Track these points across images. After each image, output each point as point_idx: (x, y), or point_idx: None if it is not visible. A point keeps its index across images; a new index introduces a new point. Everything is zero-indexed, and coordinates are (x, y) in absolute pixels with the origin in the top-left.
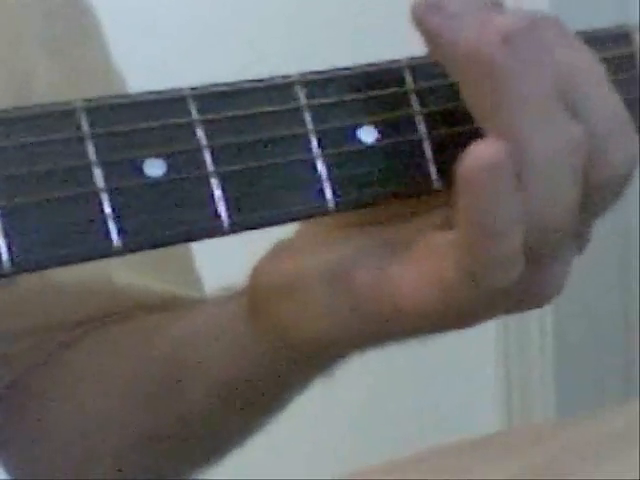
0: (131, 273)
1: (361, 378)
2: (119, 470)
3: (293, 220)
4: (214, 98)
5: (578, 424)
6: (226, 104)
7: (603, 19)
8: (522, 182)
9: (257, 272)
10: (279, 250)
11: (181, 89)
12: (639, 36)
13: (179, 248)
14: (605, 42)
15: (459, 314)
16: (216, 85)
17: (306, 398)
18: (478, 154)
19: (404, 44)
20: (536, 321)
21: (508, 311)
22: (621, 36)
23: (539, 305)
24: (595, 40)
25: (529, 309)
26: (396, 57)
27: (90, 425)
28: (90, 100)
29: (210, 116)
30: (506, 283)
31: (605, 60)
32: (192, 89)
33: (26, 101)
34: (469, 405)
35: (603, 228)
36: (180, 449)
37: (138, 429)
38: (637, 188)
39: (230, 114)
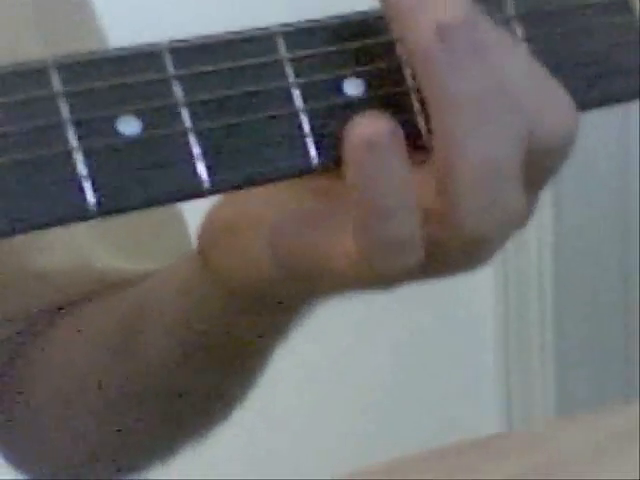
0: (111, 256)
1: (361, 378)
2: (104, 439)
3: (276, 179)
4: (191, 52)
5: (578, 424)
6: (204, 58)
7: None
8: (446, 185)
9: (208, 215)
10: (233, 195)
11: (157, 43)
12: None
13: (171, 224)
14: None
15: (378, 281)
16: (193, 38)
17: (306, 398)
18: (358, 130)
19: None
20: (536, 321)
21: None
22: None
23: (469, 270)
24: None
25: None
26: None
27: (70, 394)
28: (62, 57)
29: (186, 71)
30: (400, 270)
31: (599, 5)
32: (169, 42)
33: None
34: (469, 405)
35: (603, 228)
36: (158, 410)
37: (113, 387)
38: (637, 188)
39: (208, 68)
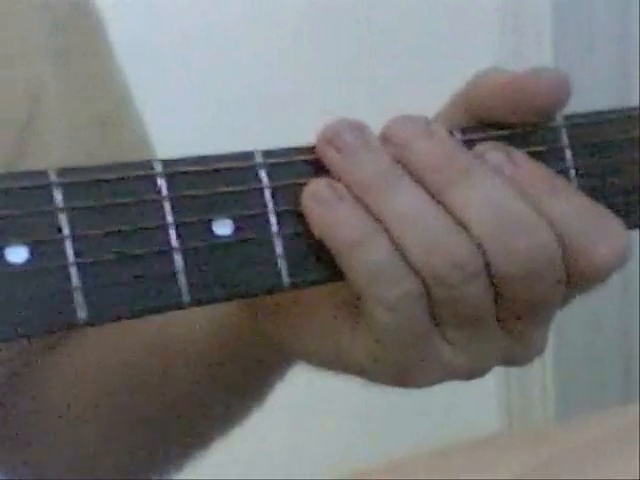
0: None
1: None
2: (109, 459)
3: (149, 314)
4: (79, 186)
5: (578, 425)
6: (88, 193)
7: (603, 19)
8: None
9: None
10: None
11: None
12: None
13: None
14: (636, 120)
15: (396, 368)
16: (80, 171)
17: (306, 398)
18: (308, 187)
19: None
20: None
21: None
22: None
23: (522, 365)
24: (626, 118)
25: (512, 366)
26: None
27: (78, 417)
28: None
29: (76, 204)
30: (390, 297)
31: (636, 138)
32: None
33: (35, 113)
34: (469, 405)
35: None
36: (169, 433)
37: (127, 415)
38: None
39: (92, 204)
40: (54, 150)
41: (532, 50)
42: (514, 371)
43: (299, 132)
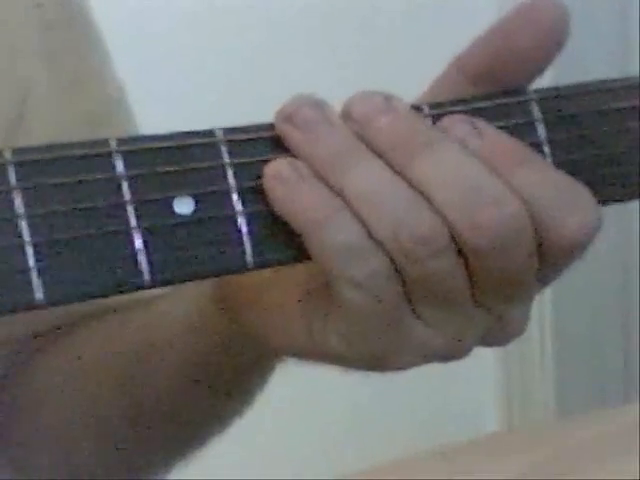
0: None
1: (361, 378)
2: (102, 458)
3: (107, 295)
4: (34, 165)
5: (578, 424)
6: (44, 172)
7: (604, 20)
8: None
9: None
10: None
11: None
12: None
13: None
14: (613, 93)
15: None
16: (35, 150)
17: (306, 398)
18: (269, 168)
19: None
20: (536, 321)
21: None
22: (631, 87)
23: (501, 345)
24: (602, 90)
25: (491, 346)
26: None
27: (70, 419)
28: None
29: (31, 183)
30: (358, 275)
31: (612, 111)
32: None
33: (24, 111)
34: (469, 405)
35: (603, 228)
36: (158, 433)
37: (116, 415)
38: None
39: (52, 181)
40: None
41: None
42: (514, 371)
43: None
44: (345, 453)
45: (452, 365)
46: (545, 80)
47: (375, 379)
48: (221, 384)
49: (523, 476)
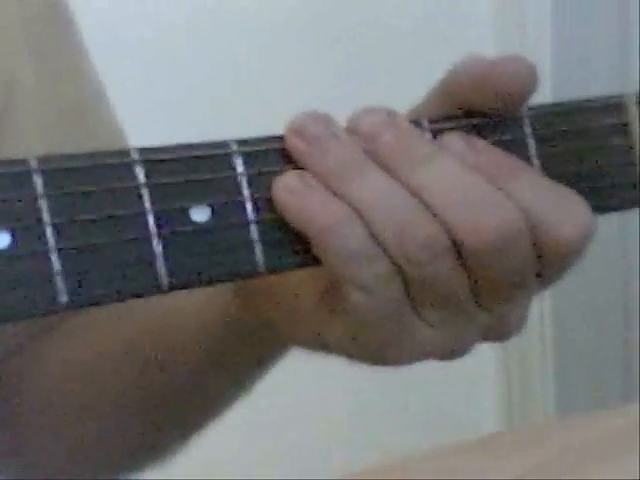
0: None
1: (361, 378)
2: (115, 444)
3: (126, 299)
4: (59, 173)
5: (578, 424)
6: (68, 180)
7: (603, 19)
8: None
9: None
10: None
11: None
12: (636, 106)
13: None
14: (599, 111)
15: (375, 341)
16: (59, 158)
17: (306, 398)
18: (279, 180)
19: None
20: (536, 321)
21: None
22: (616, 105)
23: (500, 342)
24: (589, 108)
25: (491, 342)
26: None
27: (69, 405)
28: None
29: (56, 191)
30: (365, 278)
31: (598, 128)
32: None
33: (10, 103)
34: (469, 405)
35: (603, 229)
36: (171, 416)
37: (118, 400)
38: None
39: (72, 191)
40: (29, 138)
41: (532, 50)
42: (514, 371)
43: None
44: (345, 453)
45: (452, 365)
46: (544, 80)
47: (375, 379)
48: (232, 368)
49: (523, 476)
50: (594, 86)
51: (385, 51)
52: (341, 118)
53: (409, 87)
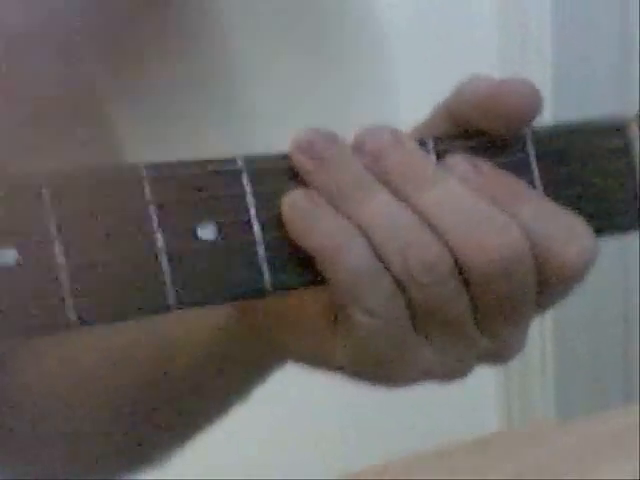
0: None
1: None
2: (110, 446)
3: (131, 317)
4: (66, 189)
5: (578, 425)
6: (76, 197)
7: (603, 19)
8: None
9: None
10: None
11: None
12: (637, 127)
13: None
14: (601, 132)
15: (380, 364)
16: (67, 175)
17: (306, 398)
18: (287, 199)
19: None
20: (536, 322)
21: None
22: (618, 126)
23: (500, 364)
24: (591, 129)
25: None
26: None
27: (77, 404)
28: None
29: (63, 207)
30: (370, 299)
31: (600, 150)
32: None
33: None
34: (469, 405)
35: (604, 237)
36: (169, 417)
37: (117, 403)
38: None
39: (79, 207)
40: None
41: (532, 50)
42: (514, 371)
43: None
44: (345, 453)
45: None
46: (545, 80)
47: None
48: (229, 375)
49: (523, 476)
50: (594, 86)
51: (387, 51)
52: (341, 118)
53: (412, 87)
